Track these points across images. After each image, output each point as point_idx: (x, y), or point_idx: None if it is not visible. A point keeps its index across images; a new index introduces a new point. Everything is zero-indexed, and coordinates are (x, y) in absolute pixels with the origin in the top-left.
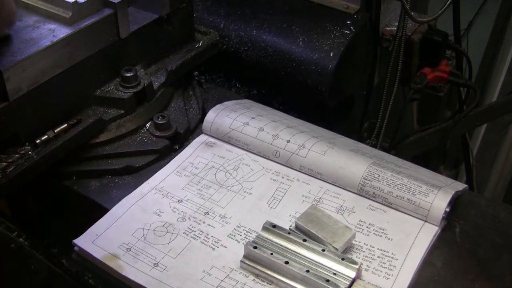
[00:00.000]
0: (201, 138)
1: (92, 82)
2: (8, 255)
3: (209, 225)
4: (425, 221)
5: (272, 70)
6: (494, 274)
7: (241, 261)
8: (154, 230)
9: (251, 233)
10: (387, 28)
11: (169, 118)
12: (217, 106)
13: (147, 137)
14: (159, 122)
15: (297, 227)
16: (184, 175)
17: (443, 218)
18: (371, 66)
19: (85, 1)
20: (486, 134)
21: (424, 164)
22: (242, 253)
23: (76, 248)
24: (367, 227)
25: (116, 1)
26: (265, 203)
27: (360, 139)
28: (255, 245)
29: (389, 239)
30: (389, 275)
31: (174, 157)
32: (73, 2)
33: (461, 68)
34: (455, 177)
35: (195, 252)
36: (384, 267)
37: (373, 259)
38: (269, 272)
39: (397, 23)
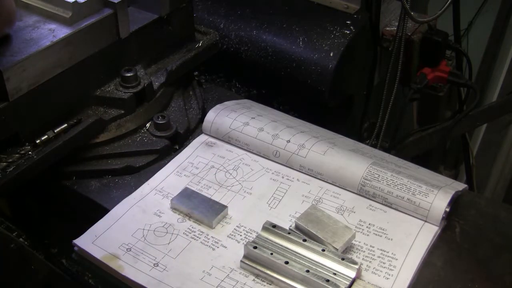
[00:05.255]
0: (201, 138)
1: (92, 82)
2: (8, 255)
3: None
4: (425, 221)
5: (272, 70)
6: (494, 274)
7: (241, 261)
8: (154, 230)
9: (251, 233)
10: (387, 28)
11: (169, 118)
12: (217, 106)
13: (147, 137)
14: (159, 122)
15: (297, 227)
16: (184, 175)
17: (443, 218)
18: (371, 66)
19: (85, 1)
20: (486, 134)
21: (424, 164)
22: (242, 253)
23: (76, 248)
24: (367, 227)
25: (116, 1)
26: (265, 203)
27: (360, 139)
28: (255, 245)
29: (389, 239)
30: (389, 275)
31: (174, 157)
32: (73, 2)
33: (461, 68)
34: (455, 177)
35: (195, 252)
36: (384, 267)
37: (373, 259)
38: (269, 272)
39: (397, 23)
